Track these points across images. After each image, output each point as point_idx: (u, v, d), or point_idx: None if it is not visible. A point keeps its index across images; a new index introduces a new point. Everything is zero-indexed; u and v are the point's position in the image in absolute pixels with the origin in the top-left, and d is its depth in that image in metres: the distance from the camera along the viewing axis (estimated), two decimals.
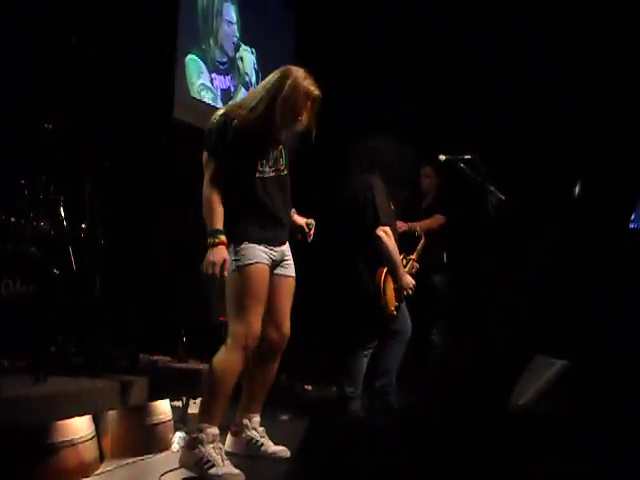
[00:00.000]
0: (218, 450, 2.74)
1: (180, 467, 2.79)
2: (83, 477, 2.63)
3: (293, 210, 3.16)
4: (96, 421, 2.85)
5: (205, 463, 2.69)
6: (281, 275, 3.00)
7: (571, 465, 2.73)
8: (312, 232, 3.17)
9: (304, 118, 2.90)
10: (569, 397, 3.41)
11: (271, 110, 2.83)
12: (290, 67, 2.92)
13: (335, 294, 4.44)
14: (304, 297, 3.23)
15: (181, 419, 3.45)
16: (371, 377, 4.03)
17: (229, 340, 2.80)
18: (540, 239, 5.08)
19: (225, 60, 5.78)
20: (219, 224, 2.79)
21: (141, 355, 3.50)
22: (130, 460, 2.94)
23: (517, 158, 5.24)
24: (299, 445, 3.15)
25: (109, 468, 2.82)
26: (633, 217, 4.62)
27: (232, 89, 5.80)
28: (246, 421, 3.11)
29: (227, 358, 2.79)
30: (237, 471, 2.71)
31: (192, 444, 2.76)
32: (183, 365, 3.75)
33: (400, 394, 4.05)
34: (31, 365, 2.82)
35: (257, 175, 2.88)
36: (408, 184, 4.31)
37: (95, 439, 2.79)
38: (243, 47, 5.96)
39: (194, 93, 5.36)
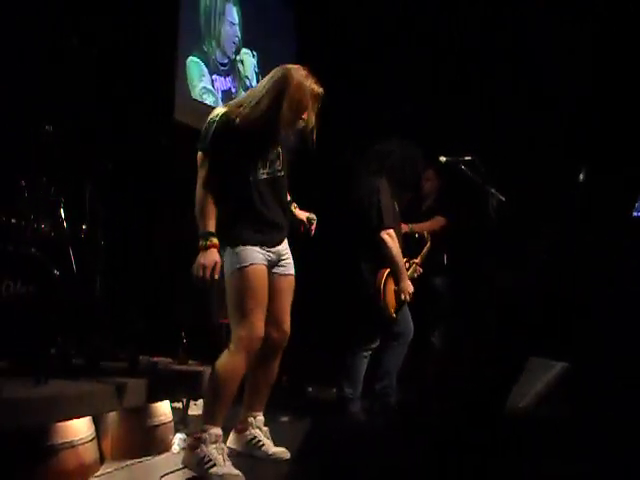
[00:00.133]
0: (220, 450, 2.74)
1: (183, 468, 2.79)
2: (83, 479, 2.62)
3: (294, 205, 3.17)
4: (96, 423, 2.84)
5: (206, 463, 2.70)
6: (280, 274, 2.99)
7: (571, 465, 2.73)
8: (314, 227, 3.16)
9: (307, 117, 2.88)
10: (569, 399, 3.41)
11: (275, 109, 2.80)
12: (289, 66, 2.90)
13: (336, 294, 4.45)
14: (306, 297, 3.23)
15: (181, 421, 3.46)
16: (371, 379, 4.03)
17: (233, 343, 2.79)
18: (540, 239, 5.08)
19: (226, 61, 5.78)
20: (211, 226, 2.77)
21: (141, 357, 3.50)
22: (130, 462, 2.94)
23: (517, 158, 5.23)
24: (299, 446, 3.15)
25: (109, 470, 2.82)
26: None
27: (233, 90, 5.80)
28: (251, 419, 3.12)
29: (231, 361, 2.79)
30: (238, 472, 2.71)
31: (194, 444, 2.76)
32: (183, 367, 3.75)
33: (400, 396, 4.06)
34: (31, 366, 2.82)
35: (252, 177, 2.85)
36: (414, 187, 4.32)
37: (95, 441, 2.78)
38: (244, 50, 5.96)
39: (195, 95, 5.36)
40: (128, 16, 4.57)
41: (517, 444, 2.88)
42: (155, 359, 3.76)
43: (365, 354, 4.01)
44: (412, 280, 4.06)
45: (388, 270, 3.95)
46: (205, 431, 2.75)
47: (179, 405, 3.56)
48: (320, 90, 2.89)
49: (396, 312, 3.96)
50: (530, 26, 5.55)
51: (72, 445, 2.58)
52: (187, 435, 3.13)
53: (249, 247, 2.82)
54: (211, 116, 2.88)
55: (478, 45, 5.76)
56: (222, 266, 2.81)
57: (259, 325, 2.80)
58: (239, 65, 5.92)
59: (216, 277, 2.74)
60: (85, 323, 3.41)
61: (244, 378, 2.92)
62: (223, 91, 5.66)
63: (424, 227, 4.73)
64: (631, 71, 5.11)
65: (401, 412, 4.00)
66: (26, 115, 3.71)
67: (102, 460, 2.89)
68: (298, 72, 2.87)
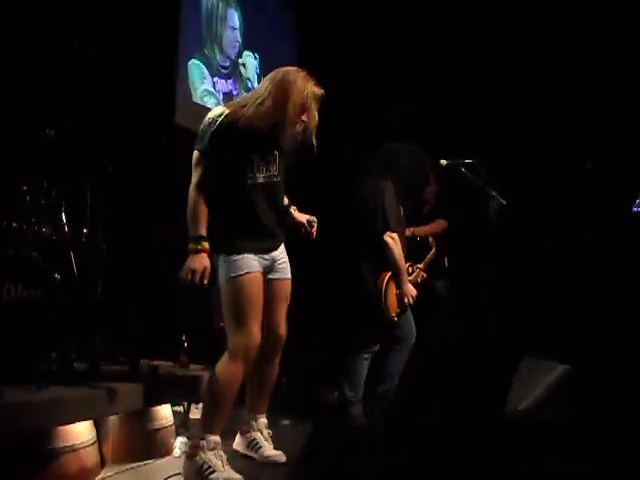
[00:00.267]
0: (219, 457, 2.74)
1: (184, 477, 2.79)
2: None
3: (293, 208, 3.15)
4: (97, 426, 2.86)
5: (206, 470, 2.70)
6: (275, 279, 2.96)
7: (571, 465, 2.73)
8: (314, 229, 3.14)
9: (306, 118, 2.86)
10: (570, 401, 3.40)
11: (279, 109, 2.78)
12: (289, 68, 2.90)
13: (338, 296, 4.45)
14: (307, 300, 3.23)
15: (182, 424, 3.46)
16: (373, 382, 4.03)
17: (230, 351, 2.78)
18: (540, 240, 5.09)
19: (227, 64, 5.78)
20: (203, 230, 2.74)
21: (142, 360, 3.50)
22: (131, 465, 2.95)
23: (517, 159, 5.23)
24: (301, 449, 3.15)
25: (110, 473, 2.84)
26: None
27: (234, 92, 5.80)
28: (252, 422, 3.12)
29: (228, 369, 2.77)
30: (238, 476, 2.72)
31: (193, 452, 2.76)
32: (184, 370, 3.75)
33: (400, 398, 4.05)
34: (32, 370, 2.83)
35: (250, 180, 2.82)
36: (420, 191, 4.32)
37: (96, 444, 2.80)
38: (246, 52, 5.97)
39: (197, 98, 5.36)
40: (129, 19, 4.56)
41: (517, 444, 2.88)
42: (156, 363, 3.76)
43: (366, 356, 4.01)
44: (414, 284, 4.06)
45: (390, 273, 3.95)
46: (203, 439, 2.75)
47: (180, 409, 3.57)
48: (320, 91, 2.89)
49: (399, 316, 3.96)
50: (530, 25, 5.55)
51: (73, 449, 2.59)
52: (188, 439, 3.13)
53: (244, 255, 2.80)
54: (210, 115, 2.83)
55: (478, 44, 5.76)
56: (216, 274, 2.80)
57: (256, 333, 2.79)
58: (241, 68, 5.93)
59: (205, 282, 2.71)
60: (86, 327, 3.41)
61: (244, 381, 2.92)
62: (224, 93, 5.67)
63: (426, 230, 4.72)
64: (631, 69, 5.10)
65: (401, 413, 4.00)
66: (26, 117, 3.71)
67: (103, 464, 2.90)
68: (298, 74, 2.86)
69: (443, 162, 4.03)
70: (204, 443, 2.73)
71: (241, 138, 2.78)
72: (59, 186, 3.49)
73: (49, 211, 3.42)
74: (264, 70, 5.99)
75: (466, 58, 5.81)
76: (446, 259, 4.96)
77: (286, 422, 3.92)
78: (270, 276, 2.94)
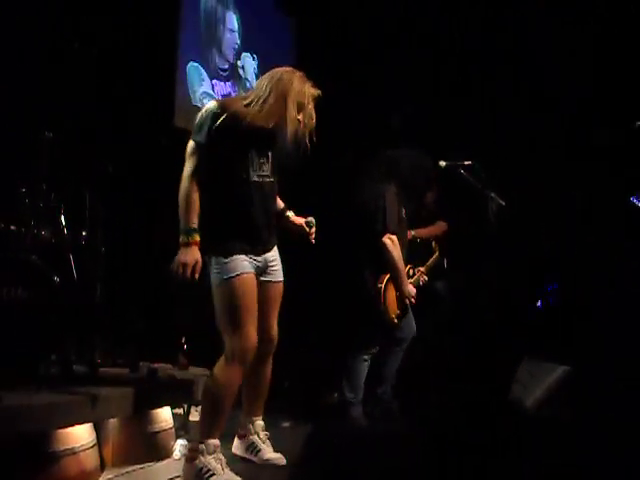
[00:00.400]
0: (218, 460, 2.74)
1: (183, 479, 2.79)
2: None
3: (290, 211, 3.13)
4: (97, 429, 2.85)
5: (205, 473, 2.70)
6: (268, 281, 2.94)
7: (571, 465, 2.72)
8: (313, 231, 3.10)
9: (305, 118, 2.85)
10: (570, 401, 3.40)
11: (281, 107, 2.78)
12: (285, 68, 2.92)
13: (338, 298, 4.44)
14: (307, 301, 3.22)
15: (182, 426, 3.45)
16: (373, 383, 4.03)
17: (227, 354, 2.76)
18: (540, 241, 5.09)
19: (226, 67, 5.79)
20: (195, 222, 2.71)
21: (141, 363, 3.50)
22: (131, 468, 2.94)
23: (517, 161, 5.23)
24: (301, 451, 3.15)
25: (110, 476, 2.83)
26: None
27: (233, 95, 5.80)
28: (249, 425, 3.12)
29: (226, 373, 2.76)
30: (238, 478, 2.73)
31: (192, 456, 2.76)
32: (184, 373, 3.74)
33: (400, 398, 4.05)
34: (32, 373, 2.82)
35: (245, 176, 2.79)
36: (422, 195, 4.32)
37: (96, 447, 2.79)
38: (244, 54, 5.97)
39: (196, 101, 5.36)
40: (129, 21, 4.57)
41: (517, 444, 2.88)
42: (156, 365, 3.75)
43: (366, 358, 4.01)
44: (415, 287, 4.06)
45: (389, 275, 3.95)
46: (202, 442, 2.74)
47: (180, 411, 3.56)
48: (317, 92, 2.89)
49: (399, 318, 3.96)
50: (530, 27, 5.56)
51: (73, 452, 2.59)
52: (188, 441, 3.13)
53: (236, 256, 2.76)
54: (209, 107, 2.80)
55: (478, 46, 5.76)
56: (210, 275, 2.78)
57: (252, 335, 2.77)
58: (240, 70, 5.93)
59: (196, 276, 2.69)
60: (85, 328, 3.41)
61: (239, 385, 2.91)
62: (223, 95, 5.66)
63: (426, 232, 4.73)
64: (632, 71, 5.10)
65: (401, 413, 4.00)
66: (26, 118, 3.71)
67: (103, 467, 2.89)
68: (295, 74, 2.88)
69: (442, 163, 4.03)
70: (203, 447, 2.72)
71: (243, 136, 2.77)
72: (58, 189, 3.49)
73: (48, 214, 3.42)
74: (262, 72, 5.98)
75: (466, 60, 5.82)
76: (445, 260, 4.96)
77: (286, 424, 3.91)
78: (263, 278, 2.91)
